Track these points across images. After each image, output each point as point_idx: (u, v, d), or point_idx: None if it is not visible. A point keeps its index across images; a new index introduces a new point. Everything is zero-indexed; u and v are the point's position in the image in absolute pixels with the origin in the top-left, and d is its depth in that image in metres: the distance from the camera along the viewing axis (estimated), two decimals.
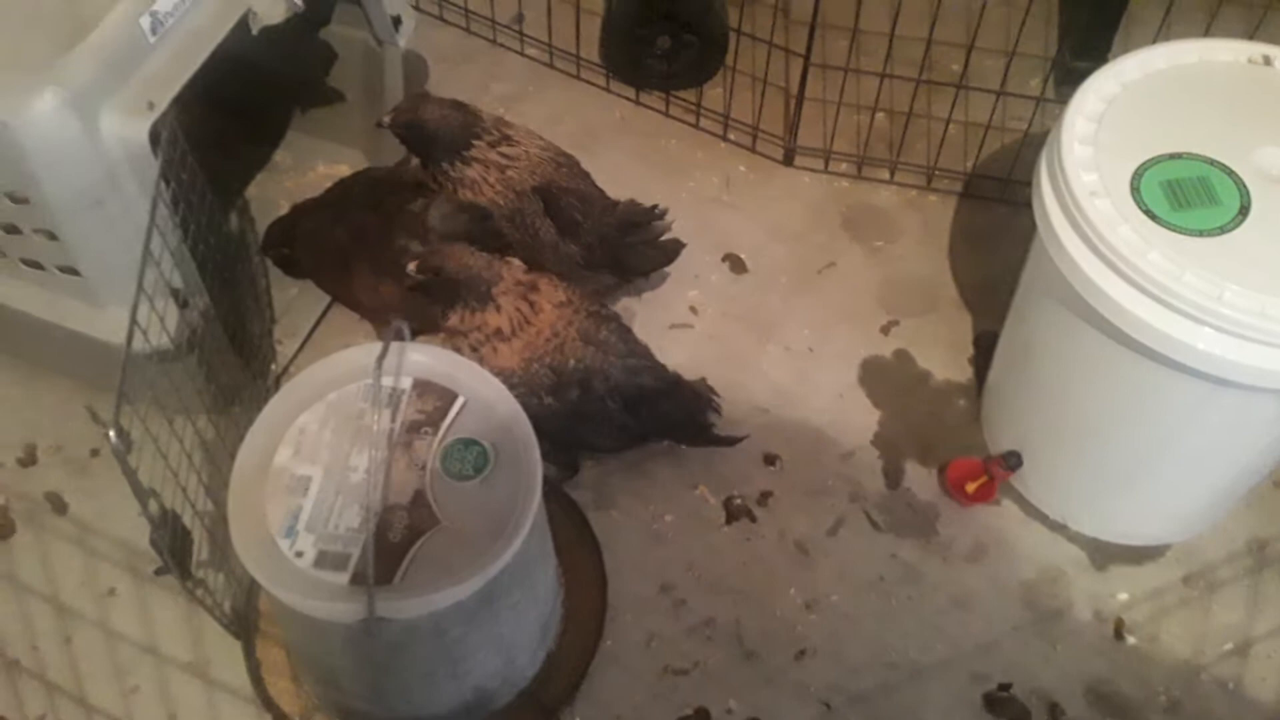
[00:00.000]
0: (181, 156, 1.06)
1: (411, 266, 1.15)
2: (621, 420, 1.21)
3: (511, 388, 1.12)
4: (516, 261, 1.21)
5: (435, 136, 1.27)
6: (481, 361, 1.16)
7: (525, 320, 1.16)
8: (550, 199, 1.32)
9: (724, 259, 1.49)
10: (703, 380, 1.27)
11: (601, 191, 1.39)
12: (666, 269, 1.41)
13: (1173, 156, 1.04)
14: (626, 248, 1.36)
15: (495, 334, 1.16)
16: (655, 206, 1.37)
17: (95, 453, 1.31)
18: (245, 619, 1.16)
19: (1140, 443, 1.14)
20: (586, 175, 1.39)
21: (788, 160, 1.58)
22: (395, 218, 1.28)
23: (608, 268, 1.37)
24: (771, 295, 1.46)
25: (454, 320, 1.16)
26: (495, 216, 1.31)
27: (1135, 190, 1.02)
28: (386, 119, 1.27)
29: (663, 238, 1.38)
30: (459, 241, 1.22)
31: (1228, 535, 1.27)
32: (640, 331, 1.39)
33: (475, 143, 1.28)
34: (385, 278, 1.28)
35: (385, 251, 1.27)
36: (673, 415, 1.24)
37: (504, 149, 1.30)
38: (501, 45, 1.70)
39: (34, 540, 1.24)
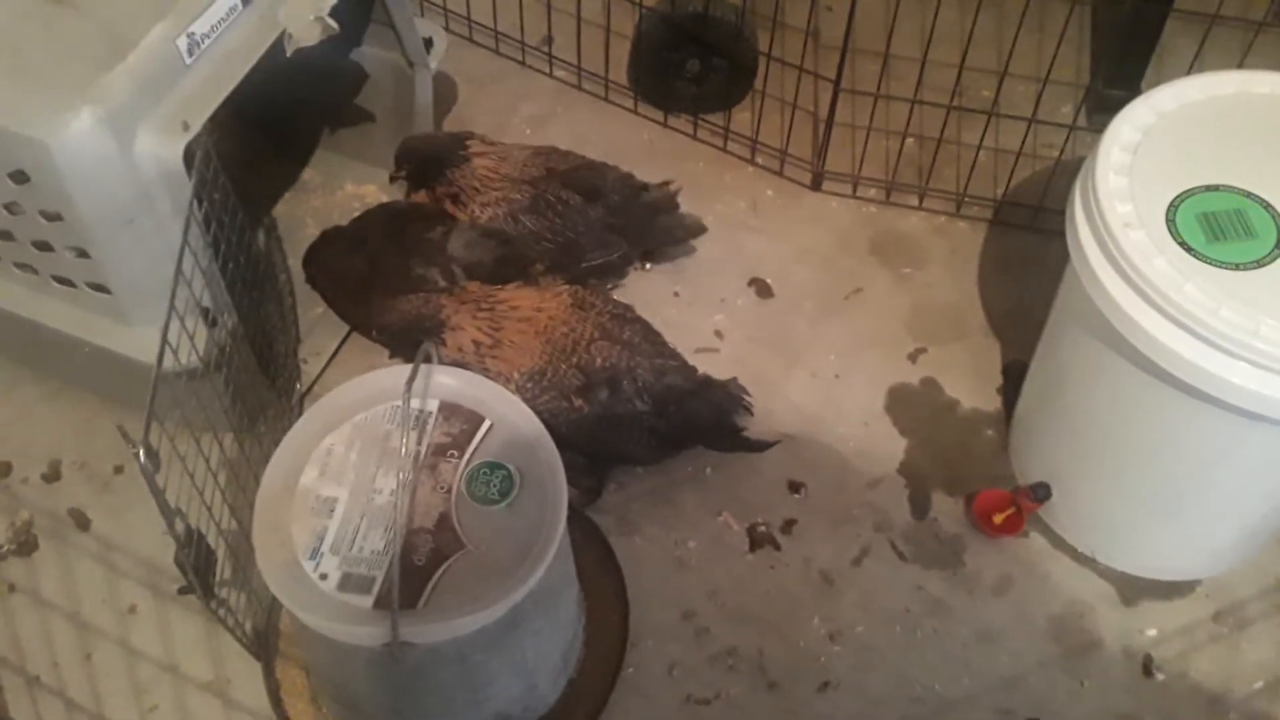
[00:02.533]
0: (214, 176, 1.07)
1: (378, 338, 1.27)
2: (651, 423, 1.21)
3: (541, 391, 1.17)
4: (471, 284, 1.27)
5: (432, 153, 1.37)
6: (498, 376, 1.19)
7: (496, 325, 1.20)
8: (563, 175, 1.37)
9: (750, 283, 1.48)
10: (734, 380, 1.26)
11: (604, 162, 1.44)
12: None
13: (1209, 188, 1.03)
14: (656, 227, 1.42)
15: (477, 348, 1.19)
16: (668, 183, 1.43)
17: (119, 469, 1.31)
18: (265, 640, 1.15)
19: (1172, 477, 1.13)
20: (573, 154, 1.44)
21: (815, 185, 1.57)
22: (413, 247, 1.29)
23: (630, 238, 1.40)
24: (798, 320, 1.45)
25: (442, 355, 1.20)
26: (517, 238, 1.32)
27: (1171, 222, 1.01)
28: (394, 173, 1.39)
29: (689, 220, 1.45)
30: (483, 268, 1.28)
31: (1259, 571, 1.25)
32: None
33: (469, 142, 1.37)
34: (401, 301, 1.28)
35: (403, 280, 1.28)
36: (702, 416, 1.23)
37: (493, 157, 1.37)
38: (530, 67, 1.71)
39: (57, 556, 1.25)
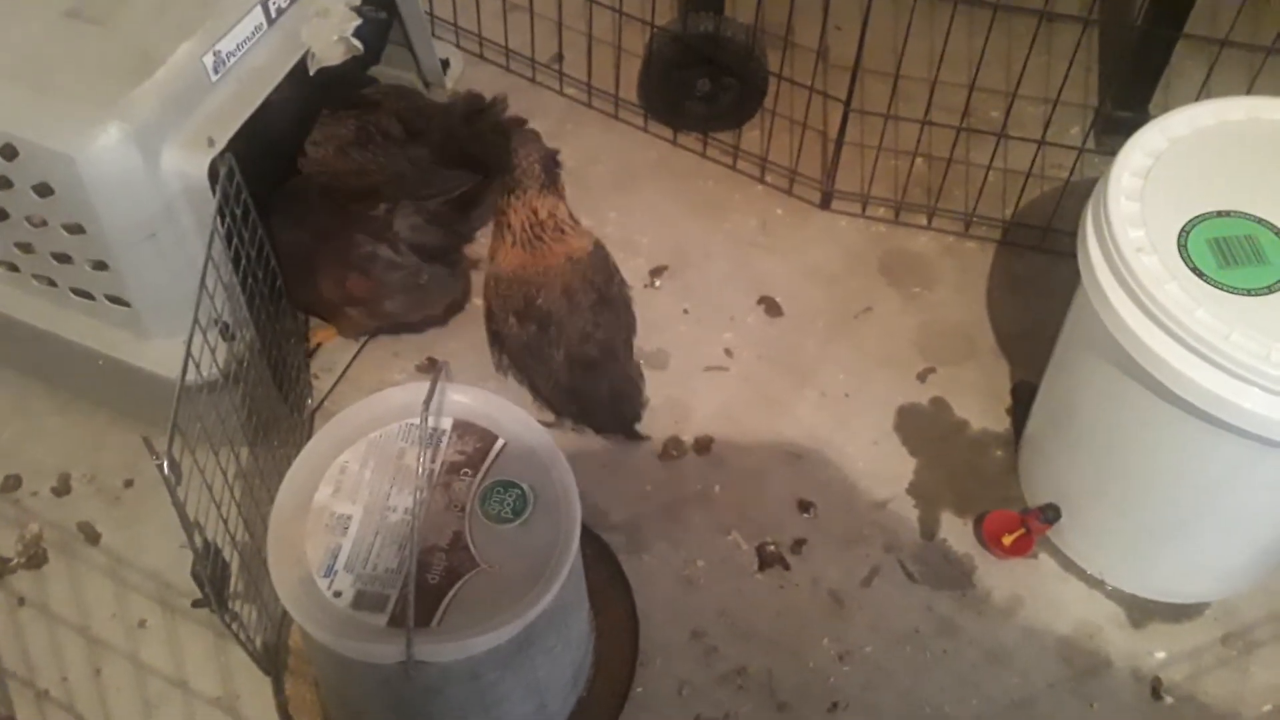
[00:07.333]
0: (237, 191, 1.07)
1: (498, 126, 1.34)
2: (561, 377, 1.29)
3: (497, 294, 1.31)
4: (561, 204, 1.30)
5: None
6: (497, 239, 1.31)
7: (531, 238, 1.28)
8: (395, 110, 1.39)
9: (759, 301, 1.49)
10: (637, 363, 1.35)
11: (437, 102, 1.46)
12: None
13: (1220, 214, 1.04)
14: (472, 138, 1.39)
15: (508, 227, 1.29)
16: (495, 98, 1.42)
17: (129, 483, 1.31)
18: (275, 655, 1.15)
19: (1182, 500, 1.13)
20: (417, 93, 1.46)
21: (825, 204, 1.58)
22: (358, 224, 1.30)
23: (460, 165, 1.38)
24: (807, 339, 1.45)
25: (501, 199, 1.30)
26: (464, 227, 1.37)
27: (1183, 247, 1.02)
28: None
29: (504, 117, 1.41)
30: (427, 250, 1.33)
31: (1268, 595, 1.25)
32: (674, 373, 1.41)
33: None
34: (352, 272, 1.31)
35: (351, 250, 1.30)
36: (600, 390, 1.30)
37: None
38: (540, 84, 1.71)
39: (66, 570, 1.24)
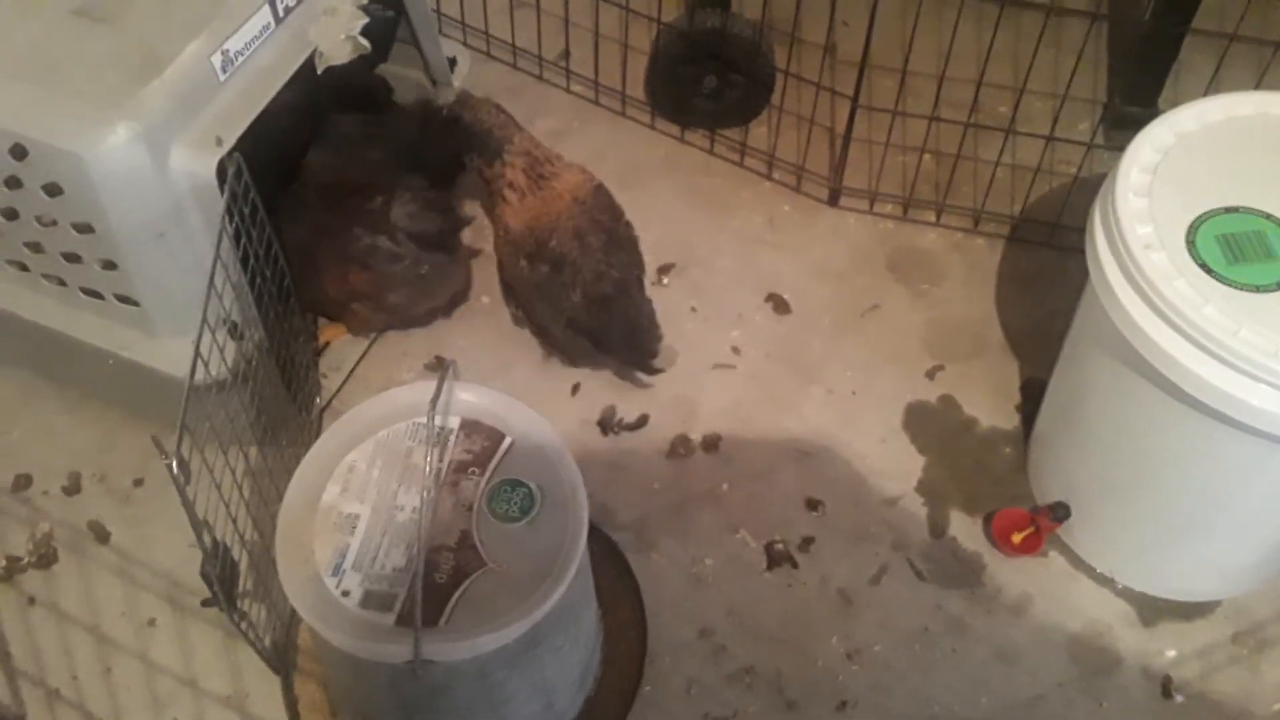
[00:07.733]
0: (245, 190, 1.08)
1: (445, 111, 1.35)
2: (573, 314, 1.30)
3: (508, 244, 1.33)
4: (534, 139, 1.32)
5: None
6: (500, 205, 1.31)
7: (535, 185, 1.29)
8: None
9: (767, 299, 1.48)
10: (649, 301, 1.35)
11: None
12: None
13: (1229, 210, 1.04)
14: (426, 140, 1.38)
15: (510, 186, 1.30)
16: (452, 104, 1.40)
17: (139, 482, 1.31)
18: (284, 654, 1.16)
19: (1192, 498, 1.13)
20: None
21: (832, 200, 1.57)
22: (356, 218, 1.31)
23: (415, 171, 1.38)
24: (815, 337, 1.45)
25: (485, 170, 1.32)
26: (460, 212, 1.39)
27: (1191, 244, 1.01)
28: None
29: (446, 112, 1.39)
30: (428, 238, 1.34)
31: (1279, 593, 1.24)
32: (681, 371, 1.40)
33: None
34: (353, 266, 1.31)
35: (350, 244, 1.31)
36: (615, 324, 1.31)
37: None
38: (547, 81, 1.71)
39: (76, 569, 1.25)
